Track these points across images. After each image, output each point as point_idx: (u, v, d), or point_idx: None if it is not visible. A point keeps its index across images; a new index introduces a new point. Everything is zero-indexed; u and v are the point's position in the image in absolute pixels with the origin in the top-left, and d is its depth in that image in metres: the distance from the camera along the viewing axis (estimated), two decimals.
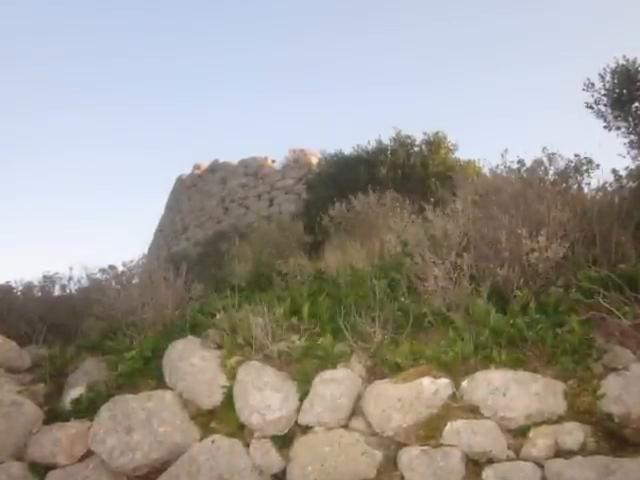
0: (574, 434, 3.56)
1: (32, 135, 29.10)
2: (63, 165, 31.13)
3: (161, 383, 4.72)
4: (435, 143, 10.03)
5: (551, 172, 5.61)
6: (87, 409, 4.65)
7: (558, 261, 4.54)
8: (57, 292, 7.08)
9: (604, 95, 6.11)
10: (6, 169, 28.18)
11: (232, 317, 4.91)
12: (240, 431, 4.28)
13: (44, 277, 7.09)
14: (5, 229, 25.20)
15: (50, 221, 29.31)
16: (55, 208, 30.39)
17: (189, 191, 16.38)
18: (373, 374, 4.28)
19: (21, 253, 24.36)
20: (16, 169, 29.53)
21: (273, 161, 15.21)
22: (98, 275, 6.70)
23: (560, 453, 3.54)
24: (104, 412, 4.48)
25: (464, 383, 3.92)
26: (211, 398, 4.46)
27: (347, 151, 10.88)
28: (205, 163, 16.55)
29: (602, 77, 6.11)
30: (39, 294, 6.95)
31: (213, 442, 4.24)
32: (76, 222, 29.56)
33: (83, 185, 30.57)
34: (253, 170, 15.01)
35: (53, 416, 4.70)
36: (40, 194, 29.76)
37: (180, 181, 16.97)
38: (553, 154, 5.63)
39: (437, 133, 10.15)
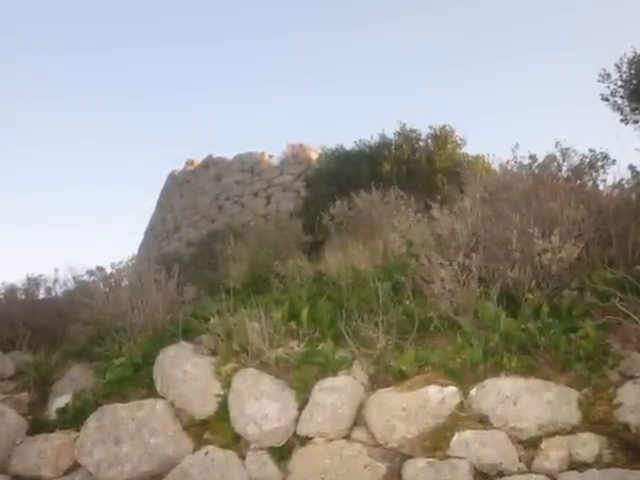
0: (589, 445, 3.56)
1: (31, 126, 29.12)
2: (62, 159, 31.10)
3: (152, 391, 4.72)
4: (442, 137, 10.03)
5: (564, 168, 5.61)
6: (73, 419, 4.65)
7: (572, 262, 4.54)
8: (42, 295, 7.09)
9: (621, 87, 6.11)
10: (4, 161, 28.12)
11: (227, 322, 4.91)
12: (235, 442, 4.28)
13: (28, 279, 7.09)
14: (4, 226, 25.15)
15: (49, 218, 29.24)
16: (54, 204, 30.35)
17: (181, 188, 16.39)
18: (376, 382, 4.28)
19: (21, 252, 24.32)
20: (15, 162, 29.47)
21: (270, 156, 15.22)
22: (85, 277, 6.71)
23: (574, 465, 3.54)
24: (91, 422, 4.48)
25: (472, 391, 3.92)
26: (205, 407, 4.46)
27: (349, 146, 10.89)
28: (198, 158, 16.55)
29: (618, 67, 6.11)
30: (23, 297, 6.95)
31: (207, 454, 4.24)
32: (75, 219, 29.53)
33: (82, 180, 30.46)
34: (249, 166, 15.02)
35: (37, 426, 4.70)
36: (39, 190, 29.76)
37: (172, 177, 16.98)
38: (566, 149, 5.63)
39: (444, 127, 10.16)
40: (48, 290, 7.11)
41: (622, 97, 6.11)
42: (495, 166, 7.61)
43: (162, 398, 4.62)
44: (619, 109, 6.15)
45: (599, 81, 6.21)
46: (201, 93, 29.75)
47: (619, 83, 6.11)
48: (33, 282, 7.09)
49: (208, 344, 4.90)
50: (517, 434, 3.69)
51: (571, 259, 4.51)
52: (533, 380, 3.86)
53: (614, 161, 5.53)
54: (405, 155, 9.75)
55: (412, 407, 3.93)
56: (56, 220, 29.22)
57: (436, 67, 28.46)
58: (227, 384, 4.48)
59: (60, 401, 4.88)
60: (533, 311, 4.32)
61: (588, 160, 5.54)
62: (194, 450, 4.32)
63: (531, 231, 4.58)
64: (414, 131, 10.19)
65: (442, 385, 4.00)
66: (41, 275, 7.13)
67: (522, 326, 4.16)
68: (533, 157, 5.80)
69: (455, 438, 3.75)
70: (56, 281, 7.09)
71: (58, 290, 7.10)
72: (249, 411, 4.24)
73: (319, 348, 4.61)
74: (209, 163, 15.98)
